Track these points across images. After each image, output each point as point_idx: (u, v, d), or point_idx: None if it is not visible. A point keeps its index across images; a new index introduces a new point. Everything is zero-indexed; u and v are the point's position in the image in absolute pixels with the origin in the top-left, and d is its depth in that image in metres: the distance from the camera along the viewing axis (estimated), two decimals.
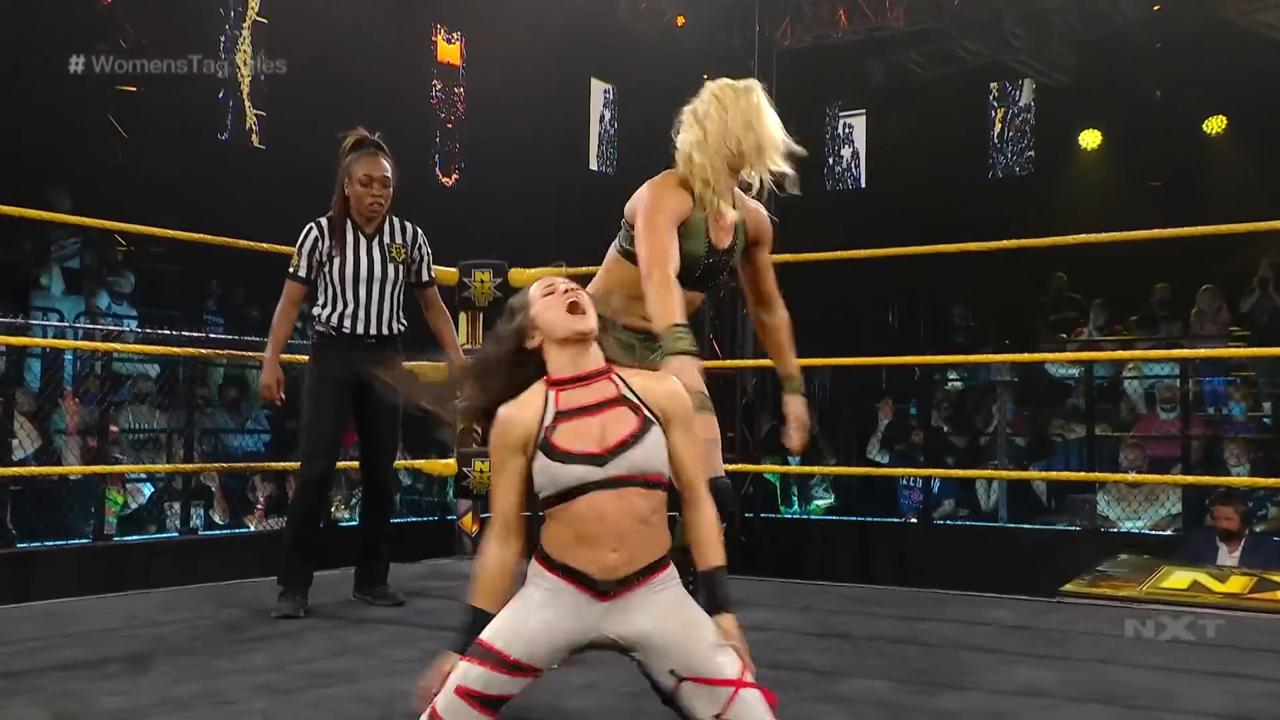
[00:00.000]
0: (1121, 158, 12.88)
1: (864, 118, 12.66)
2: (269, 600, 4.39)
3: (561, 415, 2.37)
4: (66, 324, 9.47)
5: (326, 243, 4.41)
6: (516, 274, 5.64)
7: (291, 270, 4.48)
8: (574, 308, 2.43)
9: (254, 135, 10.35)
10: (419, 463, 6.30)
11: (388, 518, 4.77)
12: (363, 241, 4.44)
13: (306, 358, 4.57)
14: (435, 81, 12.04)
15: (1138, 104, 12.20)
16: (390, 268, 4.45)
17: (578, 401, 2.38)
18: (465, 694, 2.26)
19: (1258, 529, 8.10)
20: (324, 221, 4.46)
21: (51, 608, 4.63)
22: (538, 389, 2.44)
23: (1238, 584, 6.55)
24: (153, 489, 8.61)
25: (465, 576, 4.99)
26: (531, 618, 2.32)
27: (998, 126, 12.62)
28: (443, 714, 2.25)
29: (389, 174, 4.47)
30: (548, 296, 2.47)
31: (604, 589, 2.31)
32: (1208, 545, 7.64)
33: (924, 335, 13.40)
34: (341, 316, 4.39)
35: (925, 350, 11.60)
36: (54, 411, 8.19)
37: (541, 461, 2.34)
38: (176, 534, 8.40)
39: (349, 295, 4.39)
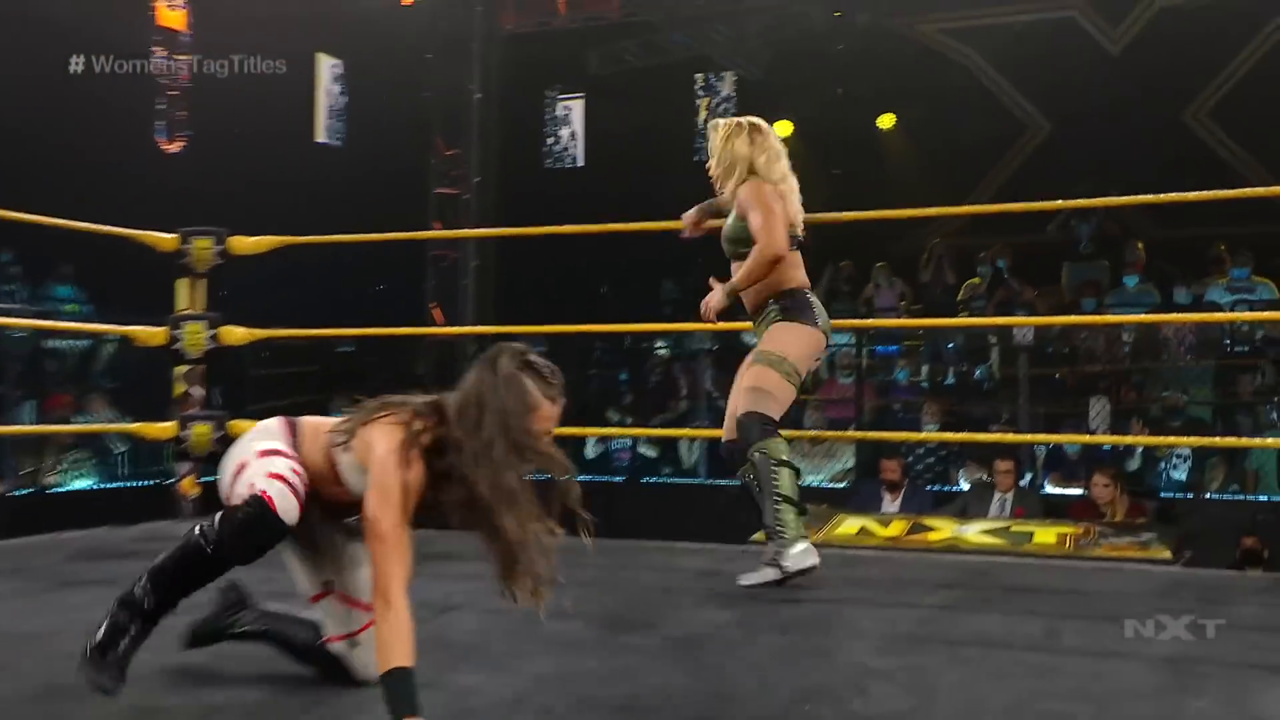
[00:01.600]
0: (809, 147, 13.38)
1: (582, 101, 12.73)
2: None
3: None
4: None
5: None
6: (236, 241, 5.43)
7: None
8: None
9: None
10: (134, 426, 5.98)
11: None
12: None
13: None
14: (157, 48, 11.44)
15: (822, 99, 12.78)
16: None
17: None
18: None
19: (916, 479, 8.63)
20: None
21: None
22: None
23: (897, 528, 7.02)
24: None
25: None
26: None
27: (702, 113, 12.90)
28: None
29: None
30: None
31: None
32: (874, 495, 8.09)
33: (637, 307, 13.60)
34: None
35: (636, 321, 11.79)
36: None
37: None
38: None
39: None
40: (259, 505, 2.34)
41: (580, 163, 12.82)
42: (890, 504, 7.91)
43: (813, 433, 9.01)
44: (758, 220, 3.89)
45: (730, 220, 4.04)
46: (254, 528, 2.35)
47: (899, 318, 10.49)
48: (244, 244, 5.41)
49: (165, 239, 5.41)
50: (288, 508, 2.35)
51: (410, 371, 10.43)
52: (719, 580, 4.14)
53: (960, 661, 2.98)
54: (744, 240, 3.94)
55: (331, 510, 2.57)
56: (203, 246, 5.37)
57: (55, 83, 9.37)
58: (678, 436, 10.17)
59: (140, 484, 8.56)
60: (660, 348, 11.38)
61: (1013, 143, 13.21)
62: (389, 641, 2.24)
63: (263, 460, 2.42)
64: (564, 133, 12.78)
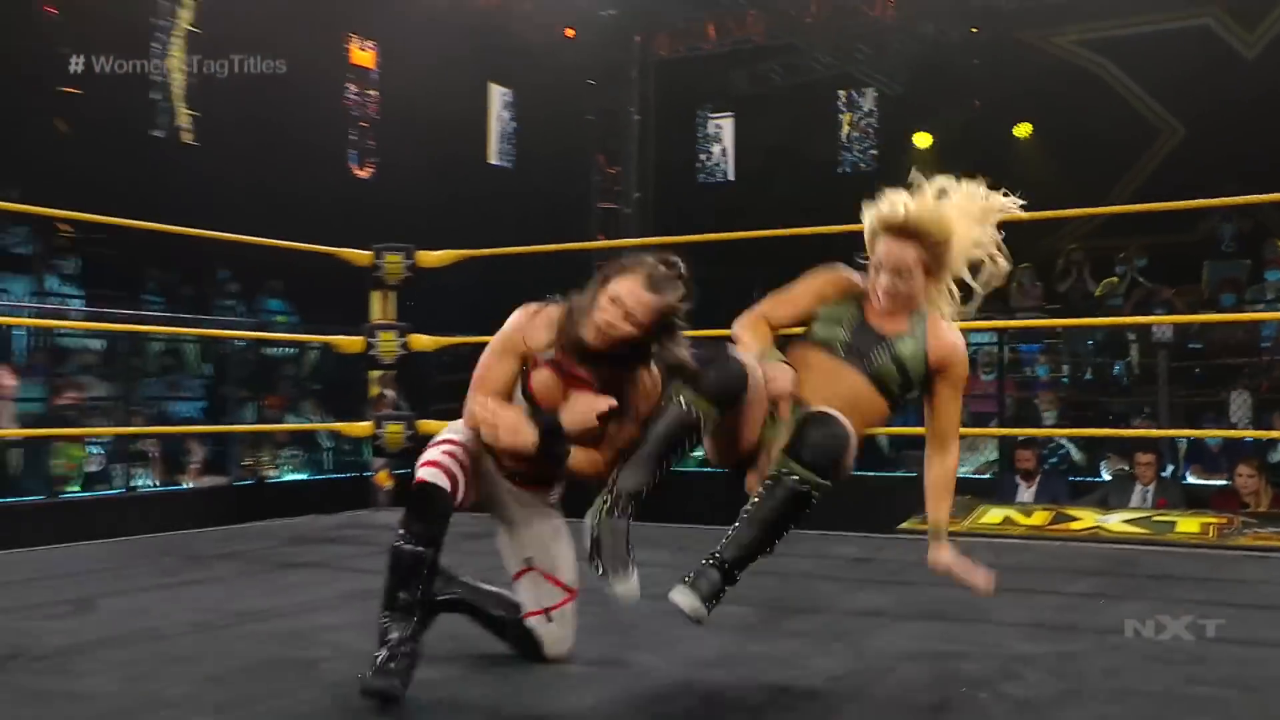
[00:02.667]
0: (948, 157, 13.11)
1: (732, 120, 12.71)
2: (202, 549, 4.31)
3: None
4: (16, 304, 9.14)
5: None
6: (424, 255, 5.58)
7: None
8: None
9: (184, 133, 10.06)
10: (337, 425, 6.19)
11: None
12: None
13: None
14: (350, 84, 11.83)
15: (960, 111, 12.52)
16: None
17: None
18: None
19: (1049, 466, 8.38)
20: None
21: (9, 557, 4.49)
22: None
23: (1040, 518, 6.79)
24: (100, 451, 8.37)
25: (380, 526, 4.97)
26: None
27: (845, 128, 12.73)
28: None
29: None
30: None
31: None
32: (1010, 484, 7.87)
33: None
34: None
35: None
36: None
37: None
38: (122, 491, 8.18)
39: None
40: (414, 488, 2.45)
41: (731, 177, 12.82)
42: (1025, 492, 7.69)
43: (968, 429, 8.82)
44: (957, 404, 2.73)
45: (912, 348, 2.63)
46: (412, 507, 2.44)
47: (1039, 318, 10.20)
48: (430, 258, 5.55)
49: (361, 255, 5.58)
50: (434, 480, 2.41)
51: None
52: (871, 567, 4.09)
53: (1109, 648, 2.87)
54: (910, 383, 2.66)
55: (536, 476, 2.61)
56: (393, 261, 5.51)
57: (262, 122, 9.75)
58: None
59: (343, 476, 8.82)
60: None
61: (1147, 147, 12.72)
62: None
63: (427, 452, 2.50)
64: (715, 149, 12.77)
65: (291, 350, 10.28)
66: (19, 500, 7.46)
